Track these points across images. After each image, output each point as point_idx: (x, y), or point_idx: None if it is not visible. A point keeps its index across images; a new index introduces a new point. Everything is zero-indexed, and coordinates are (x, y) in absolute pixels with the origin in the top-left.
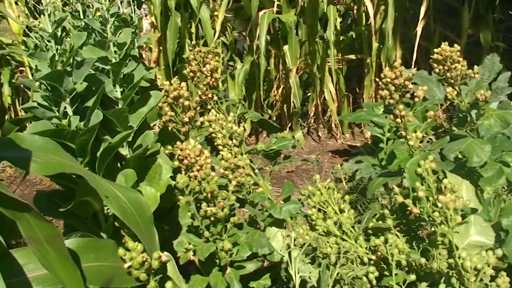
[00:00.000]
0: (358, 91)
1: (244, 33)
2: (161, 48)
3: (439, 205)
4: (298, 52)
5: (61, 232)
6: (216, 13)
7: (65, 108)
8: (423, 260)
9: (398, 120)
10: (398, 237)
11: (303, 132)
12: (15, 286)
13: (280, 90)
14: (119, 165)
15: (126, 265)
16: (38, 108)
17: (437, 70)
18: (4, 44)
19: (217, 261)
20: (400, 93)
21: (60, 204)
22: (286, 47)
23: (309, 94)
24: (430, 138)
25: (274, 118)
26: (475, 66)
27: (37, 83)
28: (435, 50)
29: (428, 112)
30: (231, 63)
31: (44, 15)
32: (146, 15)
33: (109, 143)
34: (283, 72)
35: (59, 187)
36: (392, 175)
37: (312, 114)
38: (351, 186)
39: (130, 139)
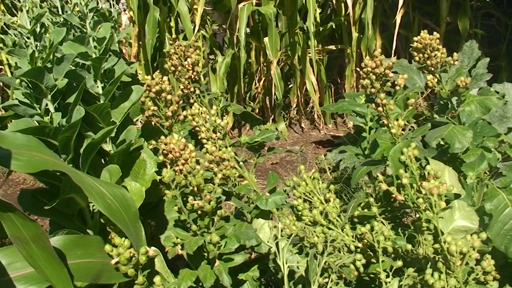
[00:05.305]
0: (340, 81)
1: (224, 26)
2: (140, 43)
3: (423, 191)
4: (279, 44)
5: (47, 230)
6: (195, 6)
7: (46, 105)
8: (409, 246)
9: (380, 108)
10: (384, 224)
11: (286, 124)
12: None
13: (261, 82)
14: (103, 161)
15: (113, 261)
16: (19, 106)
17: (417, 58)
18: None
19: (205, 254)
20: (381, 82)
21: (45, 202)
22: (266, 39)
23: (290, 86)
24: (412, 126)
25: (257, 111)
26: (455, 53)
27: (17, 80)
28: (415, 38)
29: (409, 100)
30: (211, 56)
31: (22, 11)
32: (124, 10)
33: (92, 139)
34: (264, 64)
35: (44, 186)
36: (375, 164)
37: (294, 106)
38: (335, 176)
39: (113, 134)
